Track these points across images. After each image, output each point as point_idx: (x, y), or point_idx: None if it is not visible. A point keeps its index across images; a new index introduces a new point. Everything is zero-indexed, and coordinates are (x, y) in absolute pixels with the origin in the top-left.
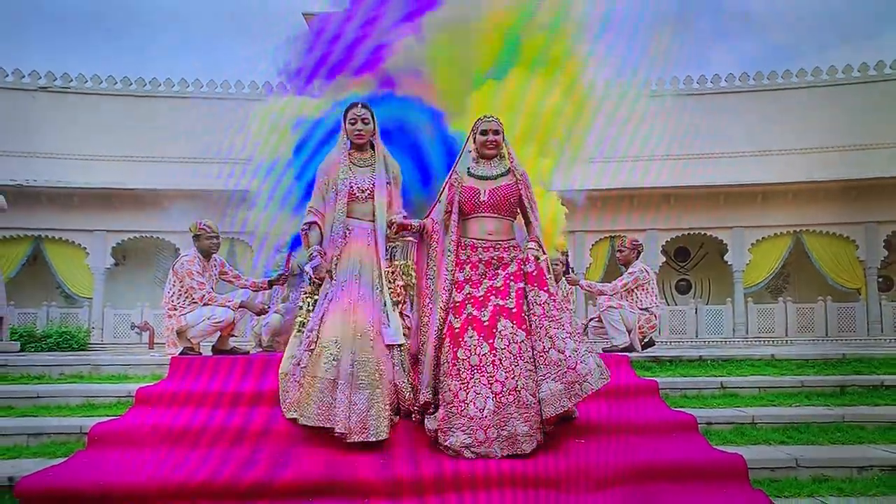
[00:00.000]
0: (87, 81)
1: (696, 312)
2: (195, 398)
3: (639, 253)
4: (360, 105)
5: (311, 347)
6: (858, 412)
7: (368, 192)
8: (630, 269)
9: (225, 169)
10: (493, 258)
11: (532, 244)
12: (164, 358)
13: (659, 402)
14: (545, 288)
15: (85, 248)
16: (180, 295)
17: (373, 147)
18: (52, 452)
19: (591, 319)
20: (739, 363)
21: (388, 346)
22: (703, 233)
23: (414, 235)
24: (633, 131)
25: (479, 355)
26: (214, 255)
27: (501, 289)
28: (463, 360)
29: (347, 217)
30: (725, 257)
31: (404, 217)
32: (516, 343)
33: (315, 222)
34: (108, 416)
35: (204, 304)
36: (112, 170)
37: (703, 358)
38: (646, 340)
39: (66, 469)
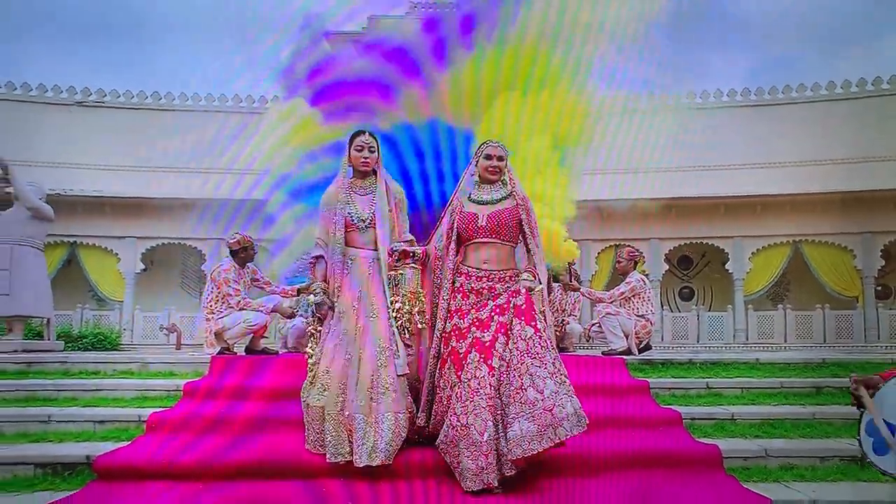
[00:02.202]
0: (119, 96)
1: (697, 319)
2: (234, 392)
3: (636, 263)
4: (366, 133)
5: (313, 383)
6: (829, 410)
7: (369, 220)
8: (627, 279)
9: (245, 179)
10: (485, 288)
11: (526, 275)
12: (205, 357)
13: (649, 400)
14: (532, 323)
15: (117, 254)
16: (218, 300)
17: (375, 174)
18: (117, 437)
19: (591, 325)
20: (726, 366)
21: (398, 376)
22: (704, 242)
23: (416, 263)
24: (638, 145)
25: (450, 387)
26: (248, 263)
27: (484, 321)
28: (442, 388)
29: (347, 246)
30: (726, 266)
31: (408, 242)
32: (477, 378)
33: (321, 255)
34: (160, 406)
35: (240, 309)
36: (141, 180)
37: (693, 361)
38: (643, 345)
39: (133, 450)
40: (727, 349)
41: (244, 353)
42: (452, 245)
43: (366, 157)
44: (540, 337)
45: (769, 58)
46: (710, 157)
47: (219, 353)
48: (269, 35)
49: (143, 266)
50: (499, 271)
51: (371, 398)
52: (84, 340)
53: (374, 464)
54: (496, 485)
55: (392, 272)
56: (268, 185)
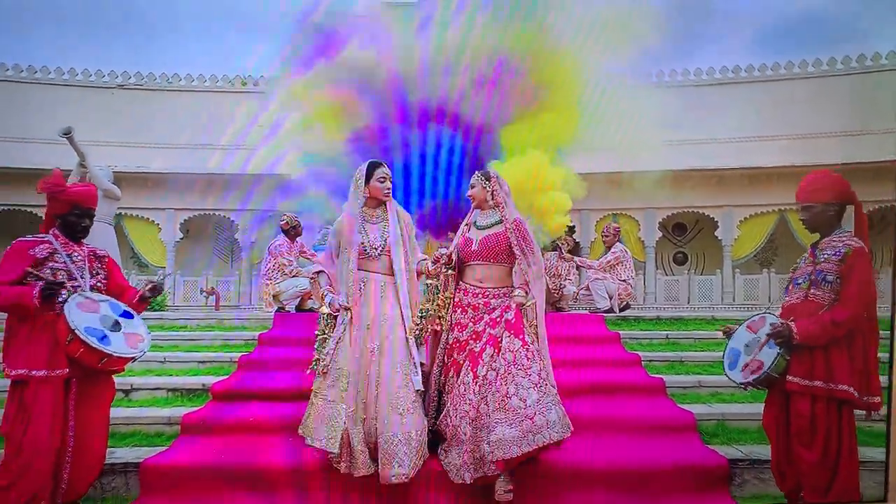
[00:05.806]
0: (156, 79)
1: (688, 282)
2: (298, 340)
3: (618, 237)
4: (384, 164)
5: (325, 372)
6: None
7: (381, 248)
8: (612, 250)
9: (274, 155)
10: (481, 303)
11: (519, 291)
12: (268, 314)
13: (619, 347)
14: (520, 336)
15: (158, 224)
16: (274, 269)
17: (384, 203)
18: (216, 373)
19: (581, 288)
20: (686, 322)
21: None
22: (697, 211)
23: (454, 268)
24: (635, 120)
25: (448, 394)
26: (297, 238)
27: (479, 332)
28: (446, 394)
29: (359, 270)
30: (716, 233)
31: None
32: (464, 384)
33: (322, 270)
34: (243, 351)
35: (292, 276)
36: (177, 156)
37: (660, 318)
38: (623, 305)
39: (233, 381)
40: (713, 310)
41: (295, 311)
42: (456, 265)
43: (388, 188)
44: (527, 349)
45: (761, 35)
46: (703, 131)
47: (277, 310)
48: (287, 17)
49: (181, 235)
50: (494, 288)
51: (395, 414)
52: None
53: (399, 481)
54: (469, 482)
55: (432, 280)
56: (296, 161)
